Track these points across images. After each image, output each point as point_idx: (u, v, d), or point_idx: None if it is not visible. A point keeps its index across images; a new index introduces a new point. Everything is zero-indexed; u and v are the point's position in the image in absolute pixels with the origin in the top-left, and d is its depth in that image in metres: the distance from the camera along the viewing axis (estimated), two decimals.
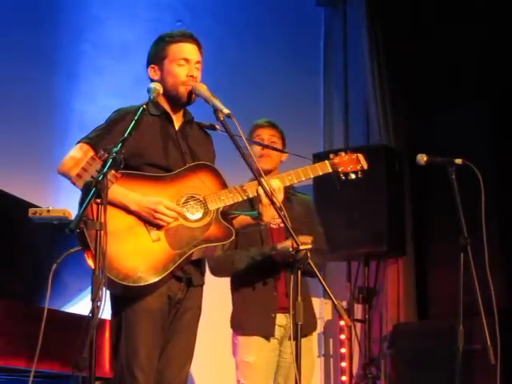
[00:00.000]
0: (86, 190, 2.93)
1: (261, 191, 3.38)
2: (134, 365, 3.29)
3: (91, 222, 2.91)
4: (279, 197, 3.42)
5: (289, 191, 4.51)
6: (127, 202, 3.31)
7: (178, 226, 3.35)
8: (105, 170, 2.92)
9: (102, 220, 2.89)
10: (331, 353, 6.34)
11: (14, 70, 6.21)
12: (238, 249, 4.38)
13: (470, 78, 6.02)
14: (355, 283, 6.17)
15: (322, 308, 6.18)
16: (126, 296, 3.31)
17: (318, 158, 3.81)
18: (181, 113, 3.59)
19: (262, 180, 3.33)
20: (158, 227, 3.33)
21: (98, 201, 2.89)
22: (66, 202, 4.37)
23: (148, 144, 3.44)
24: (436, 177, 4.88)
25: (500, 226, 5.53)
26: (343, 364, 6.16)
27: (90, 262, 3.21)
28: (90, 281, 2.87)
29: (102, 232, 2.89)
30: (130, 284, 3.22)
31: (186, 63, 3.50)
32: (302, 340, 4.16)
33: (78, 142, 3.44)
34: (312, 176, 3.66)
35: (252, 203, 3.63)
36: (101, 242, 2.89)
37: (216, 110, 3.36)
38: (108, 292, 3.11)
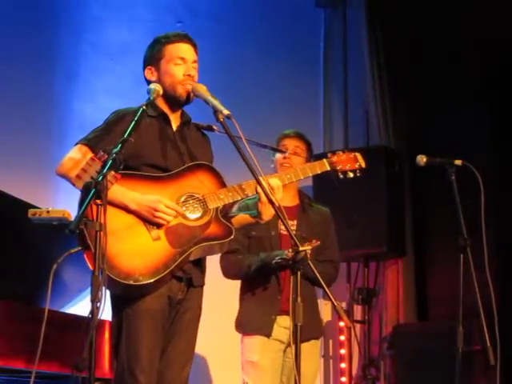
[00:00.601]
0: (85, 191, 2.94)
1: (260, 190, 3.38)
2: (134, 366, 3.30)
3: (91, 223, 2.91)
4: (278, 195, 3.43)
5: (306, 201, 4.58)
6: (127, 202, 3.32)
7: (177, 224, 3.35)
8: (104, 170, 2.93)
9: (102, 221, 2.89)
10: (331, 354, 6.34)
11: (13, 70, 6.20)
12: (249, 254, 4.52)
13: (470, 78, 6.02)
14: (355, 284, 6.17)
15: (321, 309, 6.17)
16: (127, 296, 3.31)
17: (318, 158, 3.81)
18: (178, 114, 3.59)
19: (261, 179, 3.34)
20: (158, 226, 3.33)
21: (98, 201, 2.89)
22: (65, 203, 4.36)
23: (146, 145, 3.44)
24: (436, 178, 4.88)
25: (500, 226, 5.53)
26: (343, 365, 6.16)
27: (90, 263, 3.21)
28: (90, 281, 2.87)
29: (102, 233, 2.89)
30: (131, 283, 3.22)
31: (183, 62, 3.51)
32: (308, 344, 4.27)
33: (77, 144, 3.44)
34: (310, 174, 3.67)
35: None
36: (100, 243, 2.89)
37: (216, 111, 3.37)
38: (108, 292, 3.11)
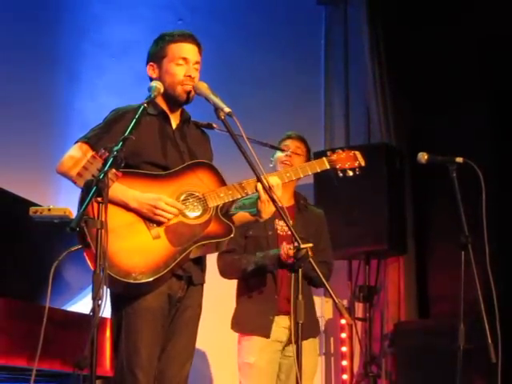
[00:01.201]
0: (86, 189, 2.93)
1: (260, 187, 3.39)
2: (134, 364, 3.30)
3: (92, 221, 2.91)
4: (278, 193, 3.43)
5: (302, 202, 4.63)
6: (127, 200, 3.31)
7: (177, 223, 3.35)
8: (106, 168, 2.93)
9: (103, 219, 2.89)
10: (332, 351, 6.34)
11: (14, 69, 6.21)
12: (246, 253, 4.55)
13: (471, 76, 6.02)
14: (356, 282, 6.16)
15: (322, 307, 6.19)
16: (127, 294, 3.31)
17: (319, 156, 3.82)
18: (178, 112, 3.59)
19: (262, 176, 3.34)
20: (158, 224, 3.33)
21: (99, 199, 2.89)
22: (66, 201, 4.37)
23: (146, 143, 3.44)
24: (437, 175, 4.88)
25: (501, 223, 5.53)
26: (344, 362, 6.16)
27: (90, 261, 3.22)
28: (91, 279, 2.87)
29: (103, 231, 2.89)
30: (131, 281, 3.22)
31: (185, 63, 3.50)
32: (307, 342, 4.29)
33: (77, 142, 3.44)
34: (310, 173, 3.67)
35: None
36: (101, 241, 2.89)
37: (217, 109, 3.37)
38: (108, 291, 3.11)
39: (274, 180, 3.47)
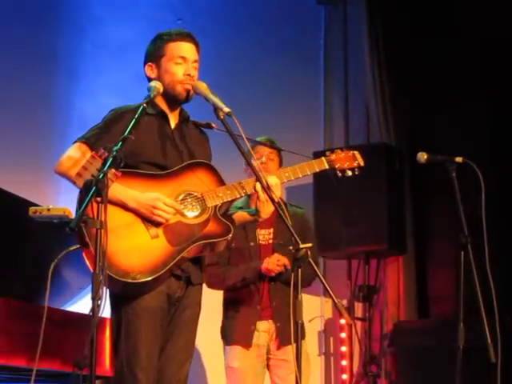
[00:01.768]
0: (86, 189, 2.93)
1: (258, 187, 3.39)
2: (134, 364, 3.30)
3: (91, 221, 2.91)
4: (277, 193, 3.43)
5: (281, 206, 4.63)
6: (125, 199, 3.31)
7: (176, 222, 3.35)
8: (105, 168, 2.92)
9: (103, 219, 2.89)
10: (331, 351, 6.34)
11: (13, 69, 6.21)
12: (230, 265, 4.69)
13: (471, 75, 6.01)
14: (355, 281, 6.17)
15: (322, 306, 6.19)
16: (126, 294, 3.31)
17: (318, 156, 3.81)
18: (177, 112, 3.59)
19: (260, 176, 3.34)
20: (157, 224, 3.33)
21: (98, 199, 2.89)
22: (66, 201, 4.36)
23: (145, 143, 3.44)
24: (436, 175, 4.88)
25: (500, 223, 5.53)
26: (344, 362, 6.17)
27: (88, 261, 3.22)
28: (91, 279, 2.87)
29: (102, 230, 2.89)
30: (129, 281, 3.22)
31: (184, 62, 3.50)
32: (290, 347, 4.32)
33: (75, 142, 3.44)
34: (309, 173, 3.66)
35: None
36: (101, 241, 2.89)
37: (216, 109, 3.37)
38: (108, 291, 3.11)
39: (272, 180, 3.47)
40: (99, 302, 2.84)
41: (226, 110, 3.34)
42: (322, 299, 6.16)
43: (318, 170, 3.68)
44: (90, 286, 2.89)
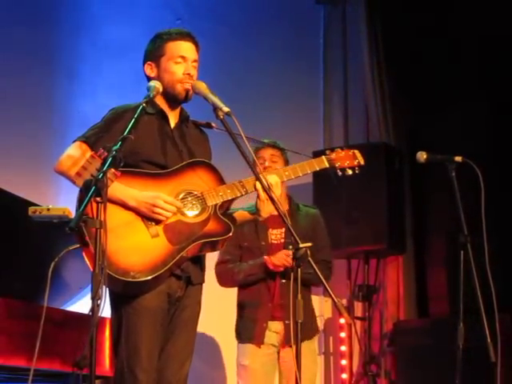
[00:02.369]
0: (85, 189, 2.93)
1: (258, 186, 3.39)
2: (134, 364, 3.29)
3: (91, 220, 2.91)
4: (277, 192, 3.43)
5: (293, 206, 4.67)
6: (125, 198, 3.31)
7: (176, 221, 3.35)
8: (104, 168, 2.92)
9: (102, 218, 2.89)
10: (331, 351, 6.34)
11: (13, 69, 6.21)
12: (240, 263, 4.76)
13: (470, 75, 6.02)
14: (355, 281, 6.17)
15: (321, 306, 6.19)
16: (126, 293, 3.31)
17: (318, 155, 3.81)
18: (177, 111, 3.59)
19: (260, 175, 3.34)
20: (157, 223, 3.33)
21: (98, 199, 2.89)
22: (66, 201, 4.37)
23: (145, 142, 3.43)
24: (436, 174, 4.88)
25: (500, 223, 5.53)
26: (343, 362, 6.17)
27: (88, 260, 3.22)
28: (90, 279, 2.87)
29: (102, 230, 2.89)
30: (129, 279, 3.22)
31: (183, 61, 3.50)
32: (304, 342, 4.36)
33: (75, 141, 3.44)
34: (309, 171, 3.66)
35: None
36: (101, 240, 2.89)
37: (216, 108, 3.36)
38: (108, 290, 3.11)
39: (272, 179, 3.47)
40: (99, 301, 2.84)
41: (226, 109, 3.34)
42: (322, 299, 6.16)
43: (318, 169, 3.68)
44: (89, 286, 2.89)
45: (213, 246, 3.45)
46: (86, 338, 2.81)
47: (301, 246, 3.21)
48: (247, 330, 4.68)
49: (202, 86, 3.46)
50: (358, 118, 6.50)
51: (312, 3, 6.65)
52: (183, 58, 3.50)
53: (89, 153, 3.20)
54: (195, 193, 3.41)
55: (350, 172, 3.72)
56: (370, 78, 6.34)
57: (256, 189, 3.41)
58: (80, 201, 3.12)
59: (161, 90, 3.38)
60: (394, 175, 5.94)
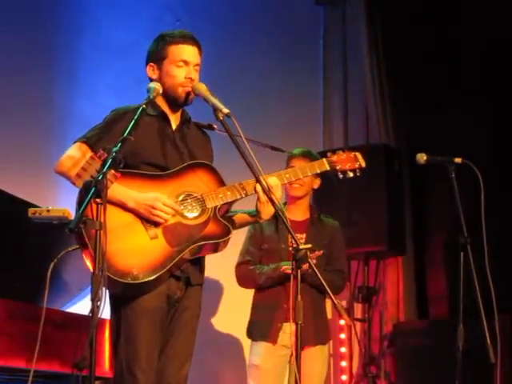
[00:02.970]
0: (85, 190, 2.93)
1: (259, 188, 3.38)
2: (134, 365, 3.29)
3: (91, 222, 2.90)
4: (277, 194, 3.42)
5: (315, 216, 4.73)
6: (125, 200, 3.31)
7: (175, 223, 3.35)
8: (104, 169, 2.92)
9: (102, 220, 2.89)
10: (331, 352, 6.31)
11: (13, 70, 6.20)
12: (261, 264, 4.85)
13: (470, 76, 6.02)
14: (355, 282, 6.16)
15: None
16: (125, 295, 3.31)
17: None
18: (178, 113, 3.58)
19: (260, 178, 3.33)
20: (156, 225, 3.33)
21: (98, 200, 2.89)
22: (65, 202, 4.37)
23: (145, 144, 3.43)
24: (436, 176, 4.88)
25: (500, 224, 5.53)
26: (343, 363, 6.16)
27: (88, 262, 3.22)
28: (90, 280, 2.87)
29: (102, 231, 2.89)
30: (129, 281, 3.22)
31: (185, 65, 3.49)
32: (314, 349, 4.66)
33: (76, 141, 3.44)
34: (310, 174, 3.66)
35: None
36: (100, 242, 2.89)
37: (215, 110, 3.36)
38: (107, 292, 3.10)
39: (273, 181, 3.46)
40: (99, 302, 2.84)
41: (226, 110, 3.34)
42: None
43: (318, 171, 3.68)
44: (89, 287, 2.89)
45: (214, 248, 3.45)
46: (86, 339, 2.81)
47: (301, 247, 3.22)
48: (261, 328, 4.75)
49: (202, 88, 3.46)
50: (357, 118, 6.50)
51: (312, 4, 6.65)
52: (185, 62, 3.49)
53: (89, 153, 3.20)
54: (195, 194, 3.41)
55: (350, 175, 3.71)
56: (370, 79, 6.34)
57: (256, 191, 3.41)
58: (80, 202, 3.12)
59: (161, 91, 3.38)
60: (394, 176, 5.93)
